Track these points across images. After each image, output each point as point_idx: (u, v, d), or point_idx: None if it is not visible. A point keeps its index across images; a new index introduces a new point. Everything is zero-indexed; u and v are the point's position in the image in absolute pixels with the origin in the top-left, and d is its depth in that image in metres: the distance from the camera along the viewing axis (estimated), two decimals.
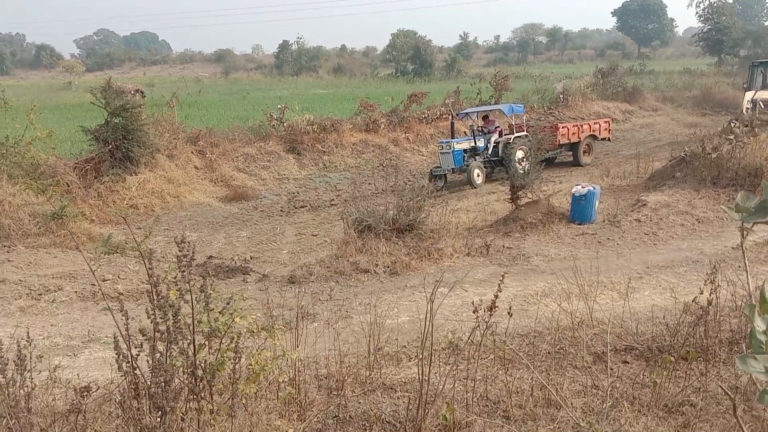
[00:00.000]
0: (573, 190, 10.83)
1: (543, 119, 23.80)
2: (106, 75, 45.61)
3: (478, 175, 16.02)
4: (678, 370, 4.27)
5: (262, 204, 15.49)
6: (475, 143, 16.74)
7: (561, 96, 26.88)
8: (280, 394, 3.74)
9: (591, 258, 8.23)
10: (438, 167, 16.41)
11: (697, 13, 57.93)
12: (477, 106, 22.29)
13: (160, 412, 2.79)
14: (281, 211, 14.82)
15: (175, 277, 2.90)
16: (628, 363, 4.82)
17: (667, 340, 4.89)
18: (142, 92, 32.19)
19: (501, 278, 3.93)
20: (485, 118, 18.02)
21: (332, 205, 14.98)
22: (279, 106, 20.62)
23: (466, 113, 18.52)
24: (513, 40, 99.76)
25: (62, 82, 59.93)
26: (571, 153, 18.64)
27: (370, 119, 21.02)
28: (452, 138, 17.02)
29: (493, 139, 17.01)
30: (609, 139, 20.12)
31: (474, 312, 3.74)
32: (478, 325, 3.74)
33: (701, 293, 4.29)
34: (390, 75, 64.11)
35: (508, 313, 4.05)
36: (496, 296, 3.74)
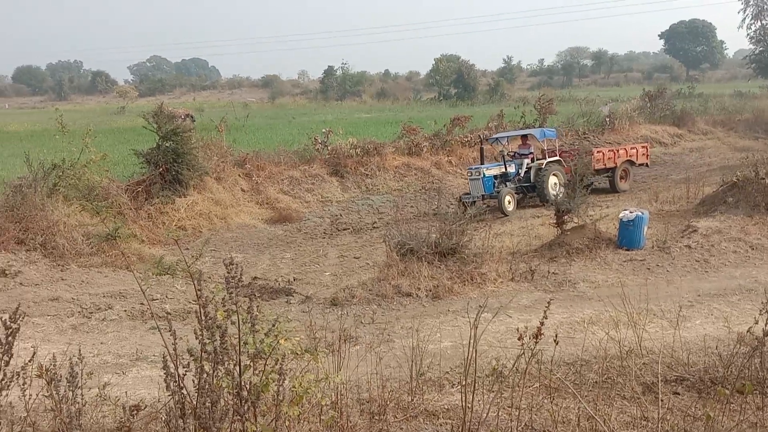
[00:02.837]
0: (621, 215, 10.61)
1: (577, 144, 23.31)
2: (158, 100, 47.08)
3: (509, 202, 15.43)
4: (732, 403, 4.11)
5: (306, 226, 15.65)
6: (506, 169, 16.22)
7: (607, 119, 26.51)
8: (322, 417, 3.74)
9: (639, 285, 8.04)
10: (467, 194, 15.89)
11: (748, 34, 56.63)
12: (507, 130, 21.88)
13: None
14: (324, 233, 14.94)
15: (222, 299, 2.96)
16: (679, 394, 4.67)
17: (720, 372, 4.72)
18: (192, 117, 33.15)
19: (547, 304, 3.87)
20: (524, 137, 17.63)
21: (374, 227, 15.04)
22: (323, 130, 20.94)
23: (497, 138, 18.15)
24: (558, 64, 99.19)
25: (116, 106, 62.04)
26: (608, 179, 18.01)
27: (412, 143, 21.12)
28: (482, 164, 16.53)
29: (525, 164, 16.55)
30: (647, 165, 19.47)
31: (519, 339, 3.68)
32: (523, 352, 3.68)
33: (756, 323, 4.13)
34: (433, 99, 64.48)
35: (555, 340, 3.97)
36: (542, 323, 3.68)
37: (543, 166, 16.38)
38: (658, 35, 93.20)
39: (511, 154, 17.21)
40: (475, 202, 15.42)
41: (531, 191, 16.50)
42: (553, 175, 16.23)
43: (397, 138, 21.78)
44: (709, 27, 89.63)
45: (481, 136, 19.45)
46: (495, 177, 15.98)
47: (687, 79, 66.62)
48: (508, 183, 16.12)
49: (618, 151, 18.39)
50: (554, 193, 15.83)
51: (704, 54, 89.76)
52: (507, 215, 15.04)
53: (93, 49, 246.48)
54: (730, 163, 19.00)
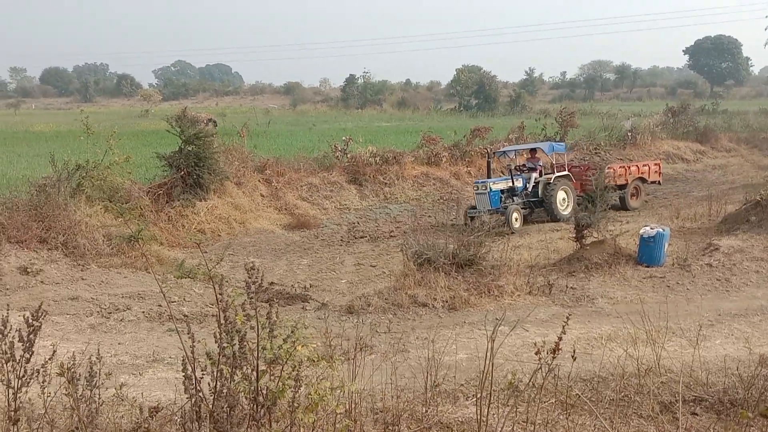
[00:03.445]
0: (641, 231, 10.50)
1: (588, 159, 22.93)
2: (181, 104, 47.63)
3: (516, 219, 14.98)
4: (752, 426, 4.04)
5: (323, 233, 15.69)
6: (513, 183, 15.79)
7: (629, 134, 26.30)
8: (336, 425, 3.74)
9: (659, 302, 7.95)
10: (473, 208, 15.41)
11: None
12: (515, 144, 21.39)
13: None
14: (341, 240, 14.97)
15: (242, 303, 2.98)
16: (697, 415, 4.61)
17: (740, 393, 4.65)
18: (214, 121, 33.50)
19: (565, 319, 3.84)
20: (532, 151, 17.13)
21: (392, 236, 15.01)
22: (343, 137, 21.03)
23: (504, 152, 17.81)
24: (580, 77, 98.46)
25: (140, 110, 62.87)
26: (619, 196, 17.29)
27: (432, 152, 21.11)
28: (488, 178, 16.05)
29: (533, 178, 16.14)
30: (659, 183, 19.03)
31: (536, 353, 3.65)
32: (540, 367, 3.65)
33: None
34: (453, 109, 64.49)
35: (572, 356, 3.94)
36: (560, 338, 3.64)
37: (551, 181, 15.94)
38: (683, 50, 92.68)
39: (524, 165, 16.90)
40: (481, 216, 14.55)
41: (538, 206, 16.11)
42: (562, 190, 15.86)
43: (417, 147, 21.79)
44: (735, 43, 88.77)
45: (488, 149, 19.07)
46: (502, 191, 15.55)
47: (711, 96, 65.95)
48: (515, 198, 15.71)
49: (629, 167, 17.93)
50: (562, 208, 15.70)
51: (729, 70, 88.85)
52: (514, 232, 14.42)
53: (119, 53, 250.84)
54: (753, 182, 18.72)
